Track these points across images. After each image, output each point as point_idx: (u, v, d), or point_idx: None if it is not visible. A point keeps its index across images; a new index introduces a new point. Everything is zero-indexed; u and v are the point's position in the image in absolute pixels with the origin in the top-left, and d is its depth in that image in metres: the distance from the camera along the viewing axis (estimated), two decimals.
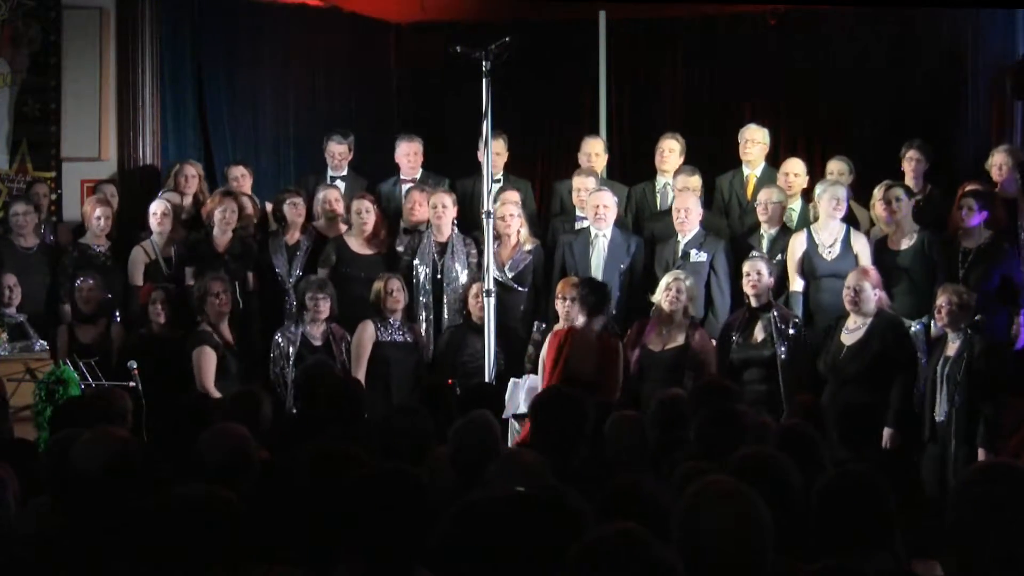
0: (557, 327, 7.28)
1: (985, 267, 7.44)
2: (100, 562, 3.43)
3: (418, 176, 8.78)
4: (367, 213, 8.11)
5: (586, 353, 6.87)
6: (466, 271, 7.95)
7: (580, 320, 7.03)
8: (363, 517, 3.08)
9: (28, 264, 8.05)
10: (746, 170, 8.70)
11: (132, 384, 6.81)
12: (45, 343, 7.46)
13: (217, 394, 7.06)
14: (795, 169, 8.36)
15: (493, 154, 8.29)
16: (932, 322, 7.18)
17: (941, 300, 6.87)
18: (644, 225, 8.53)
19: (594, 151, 8.79)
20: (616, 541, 2.44)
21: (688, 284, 7.38)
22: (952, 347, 6.86)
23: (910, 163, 8.30)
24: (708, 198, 8.55)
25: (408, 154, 8.76)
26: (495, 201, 7.86)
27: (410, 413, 4.92)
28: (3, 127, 9.05)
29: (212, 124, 9.64)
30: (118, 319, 7.87)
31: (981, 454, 6.60)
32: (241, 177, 8.80)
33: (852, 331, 7.16)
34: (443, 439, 4.79)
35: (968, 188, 7.78)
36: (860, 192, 8.35)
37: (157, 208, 8.19)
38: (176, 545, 2.98)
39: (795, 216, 8.23)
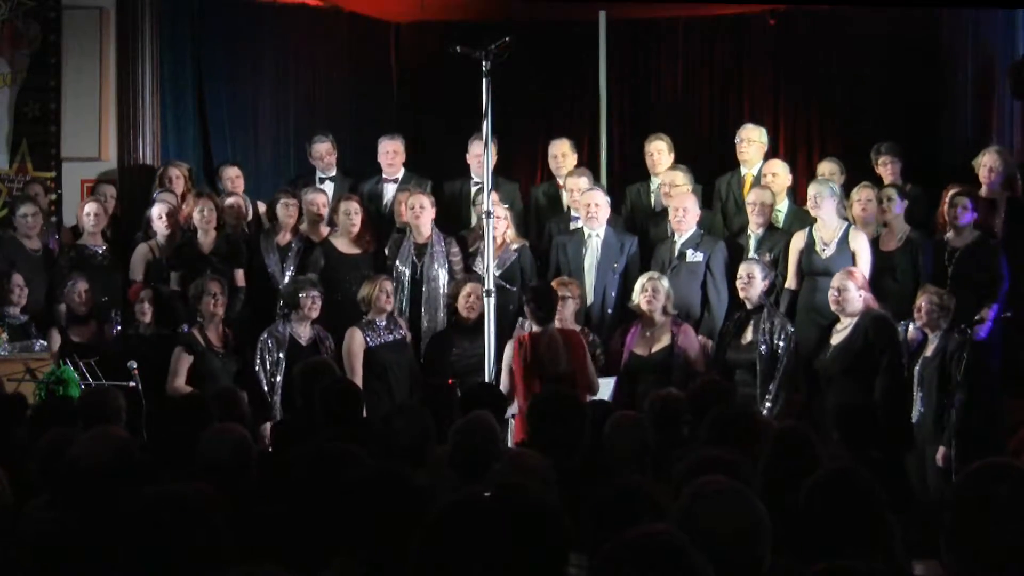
0: (517, 334, 7.24)
1: (972, 265, 7.42)
2: (99, 562, 3.43)
3: (400, 175, 8.82)
4: (355, 214, 8.14)
5: (559, 353, 6.85)
6: (446, 271, 7.96)
7: (535, 329, 6.99)
8: (357, 517, 3.08)
9: (36, 266, 8.06)
10: (743, 170, 8.72)
11: (132, 384, 6.82)
12: (45, 343, 7.47)
13: (185, 390, 7.14)
14: (774, 169, 8.38)
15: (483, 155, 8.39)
16: (911, 323, 7.18)
17: (920, 301, 6.89)
18: (639, 226, 8.55)
19: (560, 152, 8.82)
20: (651, 543, 2.42)
21: (664, 284, 7.41)
22: (930, 348, 6.87)
23: (885, 167, 8.34)
24: (706, 198, 8.56)
25: (387, 152, 8.80)
26: (474, 203, 7.90)
27: (410, 413, 4.92)
28: (3, 127, 9.05)
29: (212, 124, 9.64)
30: (117, 319, 7.86)
31: (940, 452, 6.61)
32: (235, 178, 8.83)
33: (840, 331, 7.21)
34: (443, 439, 4.79)
35: (959, 188, 7.77)
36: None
37: (156, 210, 8.20)
38: (173, 545, 2.98)
39: (781, 216, 8.25)
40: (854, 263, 7.50)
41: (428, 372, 7.63)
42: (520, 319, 7.74)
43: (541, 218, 8.81)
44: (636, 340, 7.43)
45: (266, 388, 7.40)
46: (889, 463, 6.41)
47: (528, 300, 7.06)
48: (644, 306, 7.37)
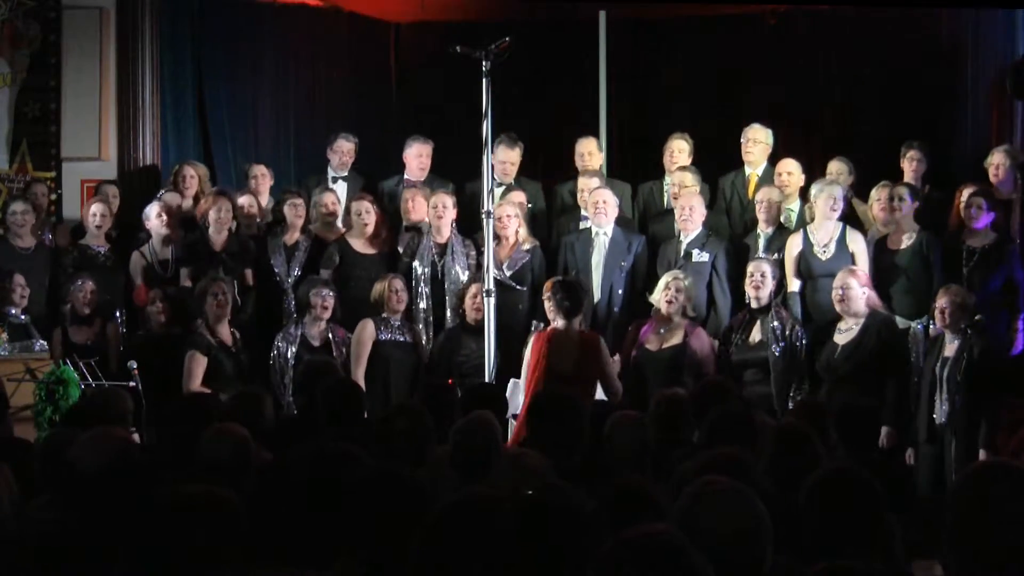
0: (541, 329, 7.23)
1: (990, 268, 7.44)
2: (100, 562, 3.43)
3: (424, 179, 8.79)
4: (367, 214, 8.13)
5: (567, 352, 6.85)
6: (466, 272, 7.96)
7: (560, 323, 7.00)
8: (359, 518, 3.07)
9: (26, 265, 8.02)
10: (748, 170, 8.71)
11: (132, 384, 6.82)
12: (45, 343, 7.47)
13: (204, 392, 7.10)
14: (789, 168, 8.38)
15: (508, 163, 8.43)
16: (931, 323, 7.16)
17: (942, 302, 6.85)
18: (650, 224, 8.54)
19: (587, 150, 8.80)
20: (650, 543, 2.42)
21: (686, 284, 7.40)
22: (950, 348, 6.85)
23: (911, 163, 8.30)
24: (710, 198, 8.56)
25: (420, 156, 8.78)
26: (499, 201, 7.92)
27: (411, 413, 4.92)
28: (3, 127, 9.06)
29: (212, 124, 9.64)
30: (119, 319, 7.87)
31: (982, 455, 6.59)
32: (260, 176, 8.82)
33: (845, 331, 7.19)
34: (443, 439, 4.79)
35: (975, 188, 7.77)
36: (861, 192, 8.35)
37: (151, 211, 8.21)
38: (174, 545, 2.98)
39: (793, 216, 8.24)
40: (853, 263, 7.50)
41: (434, 369, 7.63)
42: (535, 321, 7.74)
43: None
44: (649, 335, 7.43)
45: (281, 390, 7.40)
46: (890, 463, 6.43)
47: (555, 292, 7.01)
48: (665, 307, 7.36)
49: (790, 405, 7.04)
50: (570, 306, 6.89)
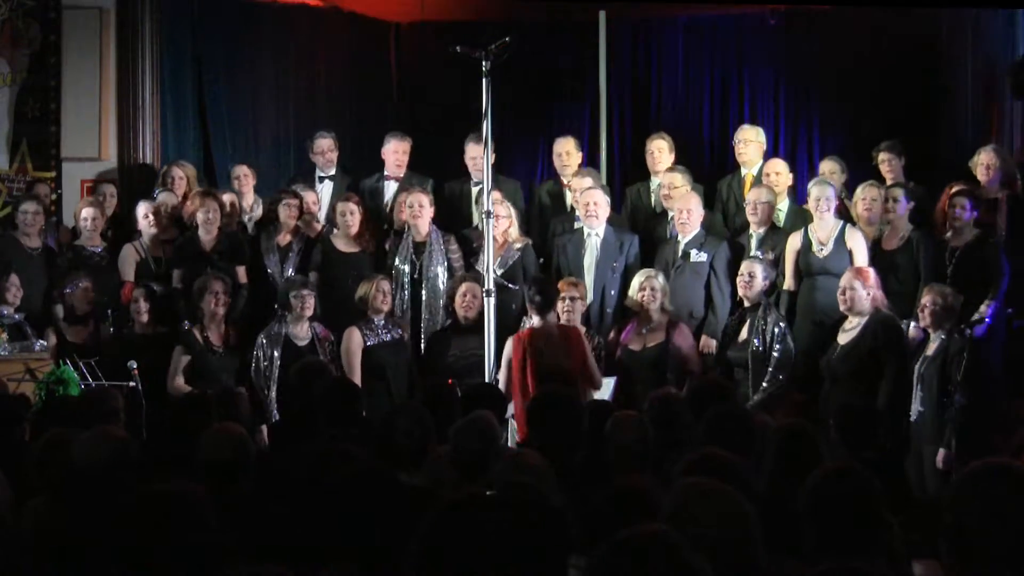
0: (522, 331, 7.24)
1: (971, 264, 7.39)
2: (99, 561, 3.42)
3: (402, 176, 8.81)
4: (351, 215, 8.14)
5: (555, 347, 6.87)
6: (444, 270, 7.97)
7: (535, 320, 7.02)
8: (349, 518, 3.07)
9: (32, 264, 8.04)
10: (744, 170, 8.73)
11: (132, 384, 6.82)
12: (45, 343, 7.47)
13: (185, 390, 7.17)
14: (776, 168, 8.41)
15: (478, 159, 8.37)
16: (914, 322, 7.14)
17: (925, 300, 6.84)
18: (640, 226, 8.55)
19: (564, 150, 8.82)
20: (646, 543, 2.42)
21: (660, 280, 7.42)
22: (932, 347, 6.82)
23: (883, 165, 8.33)
24: (707, 198, 8.57)
25: (396, 152, 8.81)
26: (477, 203, 7.93)
27: (411, 413, 4.92)
28: (3, 127, 9.06)
29: (212, 124, 9.64)
30: (109, 318, 7.86)
31: (940, 455, 6.56)
32: (243, 176, 8.82)
33: (848, 331, 7.17)
34: (443, 439, 4.79)
35: (960, 188, 7.76)
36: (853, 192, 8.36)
37: (139, 211, 8.25)
38: (146, 542, 2.97)
39: (782, 216, 8.25)
40: (851, 262, 7.49)
41: (426, 373, 7.62)
42: (525, 318, 7.74)
43: (544, 217, 8.81)
44: (631, 336, 7.45)
45: (263, 390, 7.39)
46: (888, 463, 6.42)
47: (527, 289, 7.09)
48: (644, 304, 7.38)
49: (755, 397, 7.04)
50: (541, 301, 6.97)
